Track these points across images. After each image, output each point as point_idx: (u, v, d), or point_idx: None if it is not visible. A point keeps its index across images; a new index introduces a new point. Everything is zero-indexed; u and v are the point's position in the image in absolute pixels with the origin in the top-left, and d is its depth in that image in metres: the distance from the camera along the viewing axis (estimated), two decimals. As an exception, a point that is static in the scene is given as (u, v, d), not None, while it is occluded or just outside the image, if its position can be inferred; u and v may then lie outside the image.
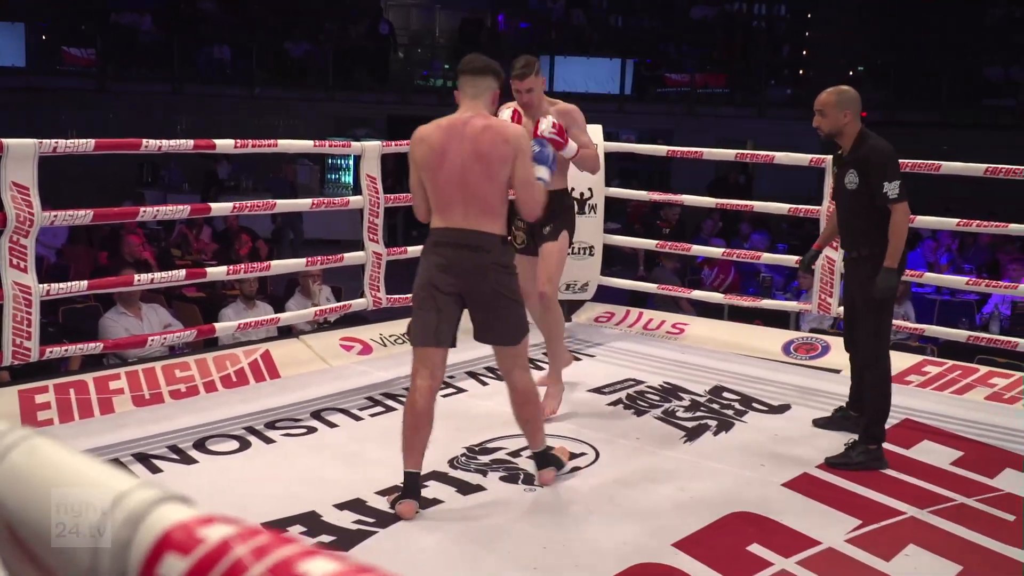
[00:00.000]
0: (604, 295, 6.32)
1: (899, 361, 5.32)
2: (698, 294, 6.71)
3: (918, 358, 5.36)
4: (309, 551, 0.52)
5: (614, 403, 4.58)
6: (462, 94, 3.47)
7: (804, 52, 19.62)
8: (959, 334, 5.49)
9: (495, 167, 3.30)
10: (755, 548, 3.11)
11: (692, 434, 4.21)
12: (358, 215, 5.30)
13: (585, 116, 4.34)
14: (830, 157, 5.22)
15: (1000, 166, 4.93)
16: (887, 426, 4.00)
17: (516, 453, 3.83)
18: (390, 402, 4.49)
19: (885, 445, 3.91)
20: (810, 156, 5.53)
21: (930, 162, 5.17)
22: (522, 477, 3.62)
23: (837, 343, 5.51)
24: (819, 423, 4.40)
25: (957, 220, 5.24)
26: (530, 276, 4.20)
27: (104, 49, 16.08)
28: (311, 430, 4.14)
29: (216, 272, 5.10)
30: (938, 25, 15.88)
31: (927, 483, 3.68)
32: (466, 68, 3.51)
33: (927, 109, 14.55)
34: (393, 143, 5.40)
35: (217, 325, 4.96)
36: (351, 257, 5.27)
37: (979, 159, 5.12)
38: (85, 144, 4.06)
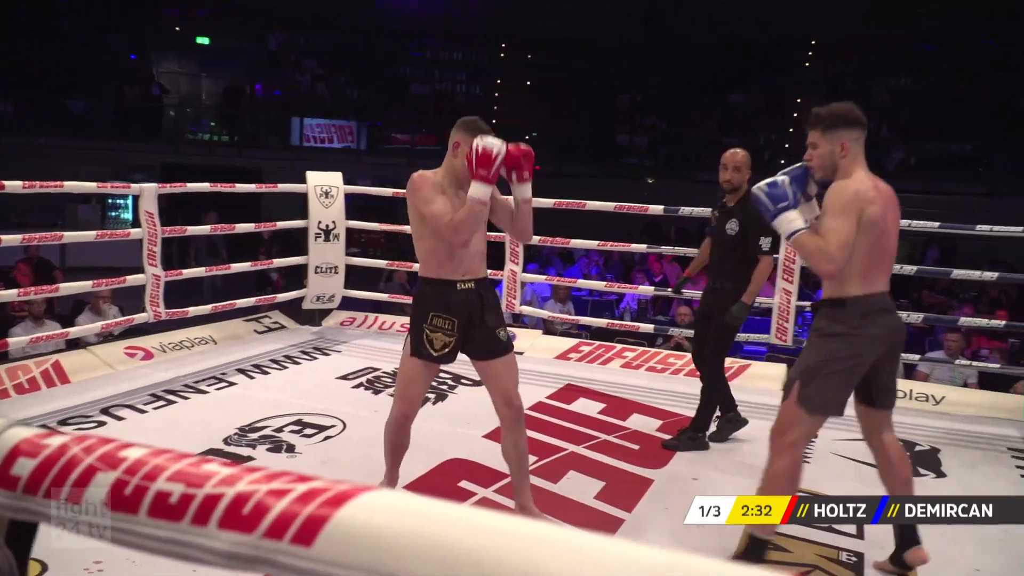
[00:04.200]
0: (349, 304, 6.27)
1: (563, 344, 5.73)
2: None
3: (575, 341, 5.78)
4: (126, 444, 0.56)
5: (356, 386, 4.59)
6: (857, 150, 2.46)
7: (494, 120, 20.48)
8: (603, 323, 5.94)
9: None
10: (464, 483, 3.25)
11: (417, 405, 4.30)
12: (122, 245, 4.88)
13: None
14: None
15: (626, 204, 5.43)
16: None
17: (280, 429, 3.74)
18: (171, 397, 4.22)
19: (550, 401, 4.13)
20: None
21: (580, 201, 5.52)
22: (285, 447, 3.55)
23: (523, 333, 5.84)
24: (712, 437, 3.83)
25: (599, 242, 5.70)
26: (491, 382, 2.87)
27: None
28: (100, 424, 3.81)
29: (6, 294, 4.54)
30: (571, 105, 17.29)
31: (582, 427, 4.00)
32: (861, 121, 2.47)
33: (580, 163, 15.64)
34: (168, 185, 5.07)
35: (10, 340, 4.43)
36: (133, 279, 4.90)
37: (613, 199, 5.45)
38: None
